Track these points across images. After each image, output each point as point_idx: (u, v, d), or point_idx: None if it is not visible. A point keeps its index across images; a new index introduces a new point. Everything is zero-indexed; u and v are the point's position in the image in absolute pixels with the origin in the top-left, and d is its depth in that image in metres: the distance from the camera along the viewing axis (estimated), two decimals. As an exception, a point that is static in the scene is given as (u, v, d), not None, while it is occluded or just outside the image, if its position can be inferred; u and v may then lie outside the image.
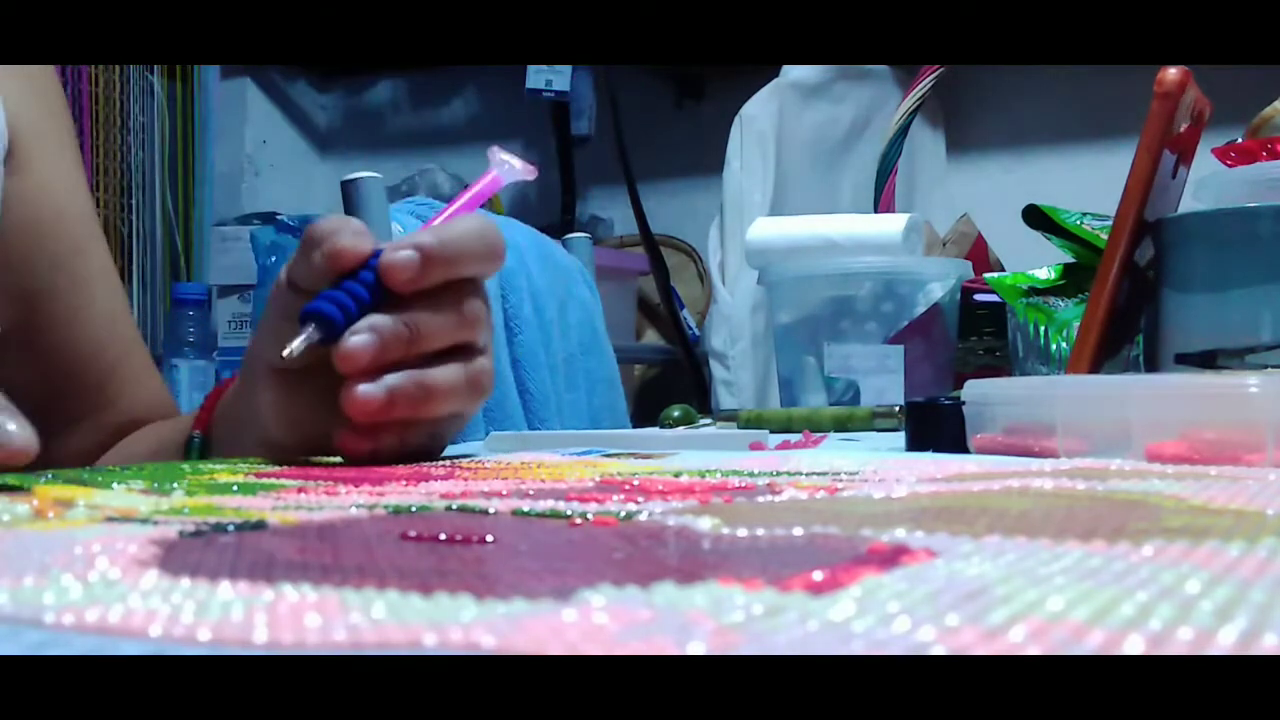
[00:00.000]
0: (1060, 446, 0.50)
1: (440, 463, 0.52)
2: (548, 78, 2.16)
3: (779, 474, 0.42)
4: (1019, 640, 0.16)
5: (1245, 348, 0.66)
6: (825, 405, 1.08)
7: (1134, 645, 0.16)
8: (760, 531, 0.27)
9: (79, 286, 0.73)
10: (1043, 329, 1.02)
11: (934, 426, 0.61)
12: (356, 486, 0.39)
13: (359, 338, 0.49)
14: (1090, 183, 1.54)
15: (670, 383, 2.12)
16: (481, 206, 0.61)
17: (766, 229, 1.25)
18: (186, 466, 0.50)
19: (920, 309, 1.11)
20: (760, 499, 0.34)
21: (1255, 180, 0.79)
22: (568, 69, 2.17)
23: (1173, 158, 0.76)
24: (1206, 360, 0.65)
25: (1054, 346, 1.00)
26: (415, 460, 0.52)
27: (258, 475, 0.44)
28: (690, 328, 2.06)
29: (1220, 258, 0.75)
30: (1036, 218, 1.02)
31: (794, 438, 0.73)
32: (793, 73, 1.85)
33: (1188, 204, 0.83)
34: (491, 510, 0.32)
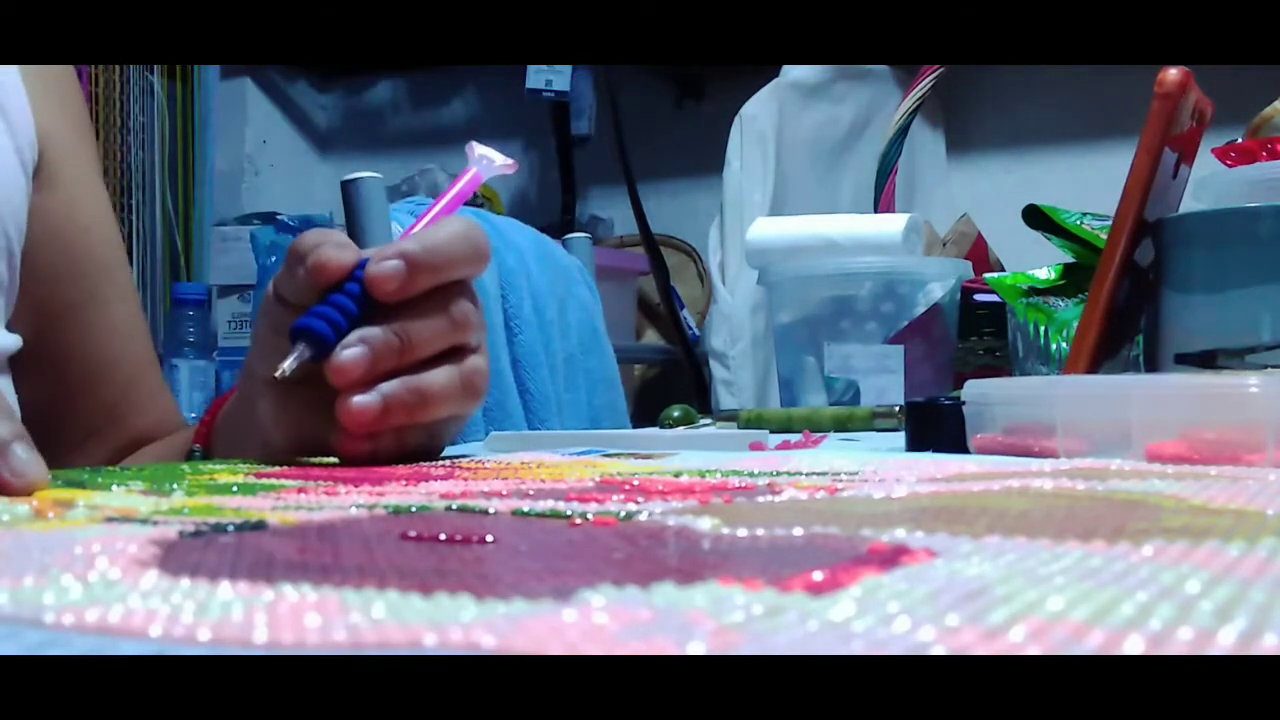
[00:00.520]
0: (1060, 446, 0.50)
1: (440, 463, 0.52)
2: (548, 78, 2.16)
3: (779, 474, 0.42)
4: (1019, 640, 0.16)
5: (1245, 348, 0.66)
6: (825, 405, 1.08)
7: (1134, 645, 0.16)
8: (760, 531, 0.27)
9: (100, 303, 0.73)
10: (1043, 329, 1.02)
11: (934, 426, 0.61)
12: (356, 486, 0.39)
13: (351, 351, 0.49)
14: (1090, 183, 1.54)
15: (670, 383, 2.12)
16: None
17: (766, 229, 1.25)
18: (186, 467, 0.50)
19: (920, 309, 1.11)
20: (760, 499, 0.34)
21: (1255, 180, 0.79)
22: (568, 69, 2.17)
23: (1174, 157, 0.76)
24: (1206, 360, 0.65)
25: (1054, 346, 1.00)
26: (415, 460, 0.52)
27: (258, 476, 0.44)
28: (690, 328, 2.06)
29: (1220, 258, 0.75)
30: (1036, 218, 1.02)
31: (794, 438, 0.73)
32: (793, 73, 1.85)
33: (1188, 204, 0.83)
34: (491, 510, 0.32)
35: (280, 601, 0.19)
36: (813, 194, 1.86)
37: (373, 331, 0.50)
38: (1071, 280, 1.02)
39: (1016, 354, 1.05)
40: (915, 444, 0.62)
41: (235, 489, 0.38)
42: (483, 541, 0.26)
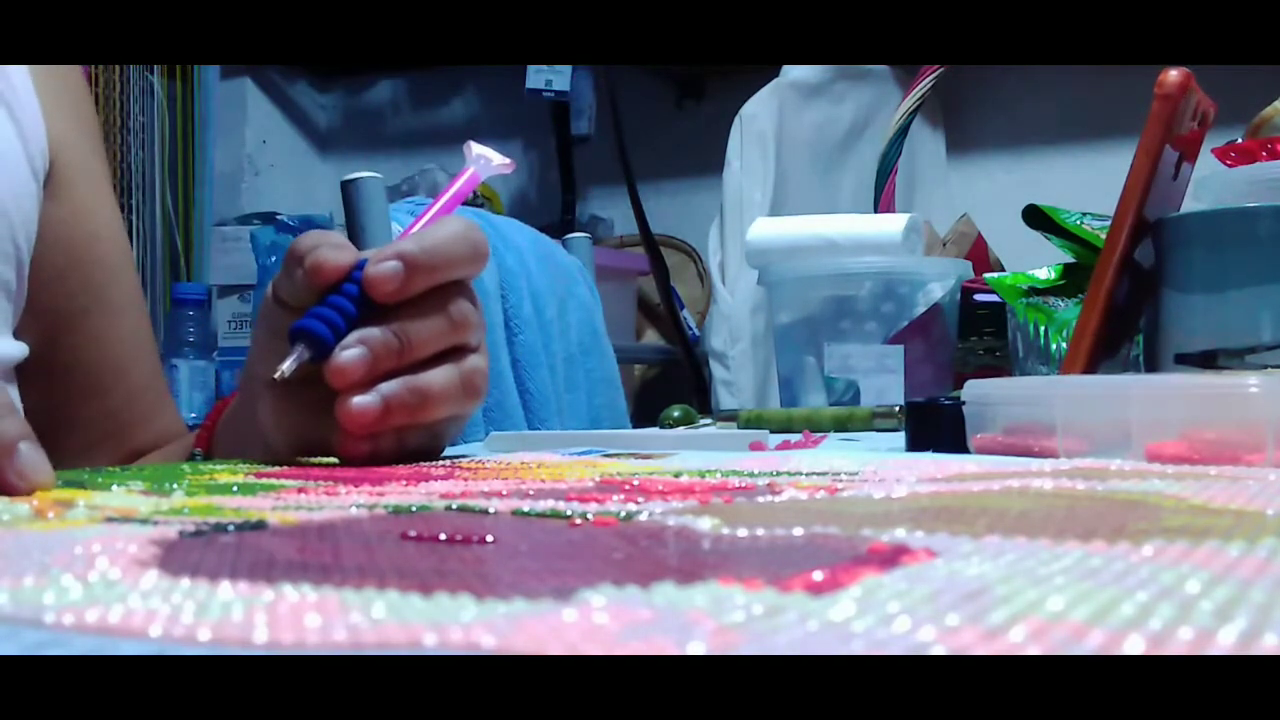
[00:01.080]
0: (1060, 446, 0.50)
1: (440, 463, 0.52)
2: (548, 78, 2.16)
3: (779, 474, 0.42)
4: (1019, 640, 0.16)
5: (1245, 348, 0.66)
6: (825, 405, 1.08)
7: (1134, 645, 0.16)
8: (760, 531, 0.27)
9: (108, 312, 0.73)
10: (1043, 329, 1.02)
11: (934, 426, 0.61)
12: (356, 486, 0.39)
13: (350, 352, 0.49)
14: (1090, 183, 1.54)
15: (670, 383, 2.12)
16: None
17: (766, 229, 1.25)
18: (186, 467, 0.50)
19: (920, 309, 1.11)
20: (760, 499, 0.34)
21: (1255, 180, 0.79)
22: (568, 69, 2.17)
23: (1175, 157, 0.76)
24: (1206, 360, 0.65)
25: (1054, 346, 1.00)
26: (415, 461, 0.52)
27: (258, 475, 0.44)
28: (690, 328, 2.06)
29: (1220, 258, 0.75)
30: (1036, 218, 1.02)
31: (794, 438, 0.73)
32: (793, 73, 1.85)
33: (1188, 204, 0.83)
34: (491, 510, 0.32)
35: (280, 601, 0.19)
36: (813, 194, 1.86)
37: (372, 332, 0.50)
38: (1071, 280, 1.02)
39: (1016, 354, 1.05)
40: (915, 444, 0.62)
41: (235, 489, 0.38)
42: (483, 541, 0.26)
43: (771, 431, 0.79)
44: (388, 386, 0.50)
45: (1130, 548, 0.24)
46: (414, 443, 0.52)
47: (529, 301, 1.17)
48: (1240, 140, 0.92)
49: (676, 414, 0.98)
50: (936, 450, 0.59)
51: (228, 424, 0.64)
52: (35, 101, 0.68)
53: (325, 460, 0.53)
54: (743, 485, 0.38)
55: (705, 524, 0.28)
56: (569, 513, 0.31)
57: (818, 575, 0.21)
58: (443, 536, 0.26)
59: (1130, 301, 0.77)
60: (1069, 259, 1.04)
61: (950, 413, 0.58)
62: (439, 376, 0.51)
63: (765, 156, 1.80)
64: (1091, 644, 0.16)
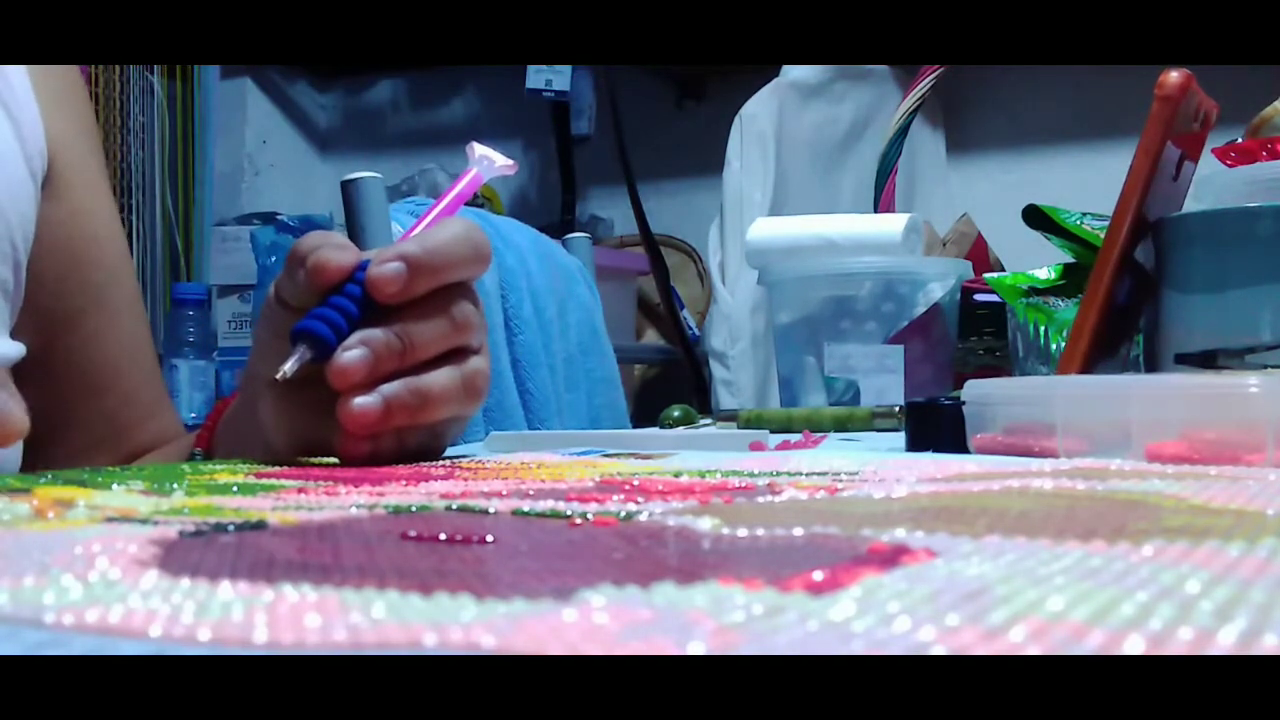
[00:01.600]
0: (1060, 446, 0.50)
1: (440, 463, 0.52)
2: (548, 78, 2.16)
3: (779, 474, 0.42)
4: (1019, 640, 0.16)
5: (1245, 348, 0.66)
6: (825, 405, 1.08)
7: (1134, 645, 0.16)
8: (760, 531, 0.27)
9: (107, 313, 0.73)
10: (1043, 329, 1.02)
11: (934, 426, 0.61)
12: (356, 486, 0.39)
13: (352, 353, 0.49)
14: (1090, 183, 1.54)
15: (670, 383, 2.12)
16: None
17: (766, 229, 1.25)
18: (187, 467, 0.50)
19: (920, 309, 1.11)
20: (760, 499, 0.34)
21: (1255, 180, 0.79)
22: (568, 69, 2.17)
23: (1176, 155, 0.76)
24: (1206, 360, 0.65)
25: (1054, 346, 1.00)
26: (416, 461, 0.52)
27: (258, 476, 0.44)
28: (690, 328, 2.06)
29: (1220, 258, 0.75)
30: (1036, 218, 1.02)
31: (794, 438, 0.73)
32: (793, 73, 1.85)
33: (1188, 204, 0.83)
34: (491, 510, 0.32)
35: (280, 601, 0.19)
36: (813, 194, 1.86)
37: (374, 333, 0.50)
38: (1071, 280, 1.02)
39: (1016, 354, 1.05)
40: (915, 444, 0.62)
41: (235, 489, 0.38)
42: (483, 541, 0.26)
43: (771, 431, 0.79)
44: (389, 387, 0.50)
45: (1130, 548, 0.24)
46: (415, 443, 0.52)
47: (529, 301, 1.17)
48: (1240, 140, 0.92)
49: (676, 414, 0.98)
50: (936, 450, 0.59)
51: (228, 424, 0.64)
52: (34, 102, 0.68)
53: (325, 460, 0.53)
54: (743, 485, 0.38)
55: (705, 524, 0.28)
56: (569, 513, 0.31)
57: (818, 575, 0.21)
58: (443, 536, 0.26)
59: (1131, 301, 0.77)
60: (1069, 259, 1.04)
61: (950, 413, 0.58)
62: (440, 378, 0.51)
63: (765, 156, 1.80)
64: (1091, 644, 0.16)
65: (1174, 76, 0.72)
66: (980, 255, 1.60)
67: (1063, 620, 0.17)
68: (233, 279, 2.18)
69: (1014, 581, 0.20)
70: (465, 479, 0.41)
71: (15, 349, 0.67)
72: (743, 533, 0.27)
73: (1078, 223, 1.00)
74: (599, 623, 0.17)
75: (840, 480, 0.40)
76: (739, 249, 1.67)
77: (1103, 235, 0.75)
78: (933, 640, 0.16)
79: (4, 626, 0.18)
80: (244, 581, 0.21)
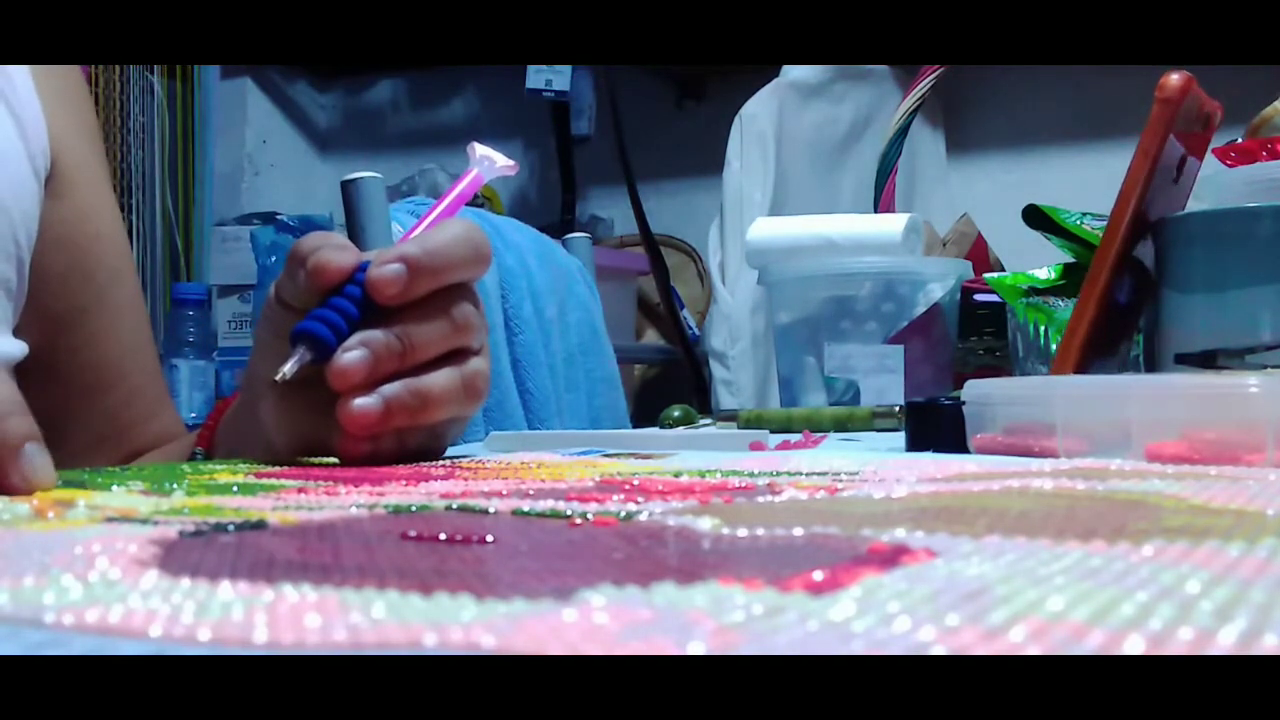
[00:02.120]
0: (1060, 446, 0.50)
1: (440, 463, 0.52)
2: (548, 78, 2.16)
3: (779, 474, 0.42)
4: (1019, 640, 0.16)
5: (1245, 348, 0.66)
6: (825, 405, 1.08)
7: (1134, 645, 0.16)
8: (760, 531, 0.27)
9: (108, 312, 0.73)
10: (1043, 329, 1.02)
11: (934, 426, 0.61)
12: (356, 486, 0.39)
13: (352, 354, 0.49)
14: (1090, 183, 1.54)
15: (670, 383, 2.12)
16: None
17: (766, 229, 1.25)
18: (187, 467, 0.50)
19: (920, 309, 1.11)
20: (760, 499, 0.34)
21: (1255, 180, 0.79)
22: (568, 69, 2.17)
23: (1178, 155, 0.76)
24: (1206, 360, 0.65)
25: (1054, 347, 1.00)
26: (416, 461, 0.52)
27: (258, 475, 0.44)
28: (690, 328, 2.06)
29: (1220, 258, 0.75)
30: (1036, 218, 1.02)
31: (794, 438, 0.73)
32: (793, 73, 1.85)
33: (1188, 204, 0.83)
34: (491, 510, 0.32)
35: (280, 601, 0.19)
36: (813, 194, 1.86)
37: (374, 334, 0.50)
38: (1071, 280, 1.02)
39: (1016, 354, 1.05)
40: (915, 444, 0.62)
41: (235, 489, 0.38)
42: (483, 541, 0.26)
43: (771, 431, 0.79)
44: (389, 388, 0.50)
45: (1130, 548, 0.24)
46: (415, 444, 0.52)
47: (529, 301, 1.17)
48: (1240, 140, 0.92)
49: (676, 414, 0.98)
50: (936, 450, 0.59)
51: (229, 424, 0.64)
52: (36, 101, 0.68)
53: (325, 460, 0.53)
54: (743, 485, 0.38)
55: (705, 524, 0.28)
56: (569, 513, 0.31)
57: (818, 575, 0.21)
58: (443, 536, 0.26)
59: (1131, 300, 0.77)
60: (1069, 259, 1.04)
61: (950, 413, 0.58)
62: (440, 379, 0.51)
63: (765, 156, 1.80)
64: (1091, 644, 0.16)
65: (1174, 79, 0.72)
66: (980, 255, 1.60)
67: (1063, 620, 0.17)
68: (233, 279, 2.18)
69: (1014, 581, 0.20)
70: (465, 479, 0.41)
71: (18, 347, 0.67)
72: (743, 533, 0.27)
73: (1078, 223, 1.00)
74: (599, 623, 0.17)
75: (840, 480, 0.40)
76: (739, 249, 1.67)
77: (1102, 235, 0.75)
78: (933, 640, 0.16)
79: (4, 626, 0.18)
80: (244, 581, 0.21)
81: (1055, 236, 1.02)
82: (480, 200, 2.22)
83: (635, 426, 1.30)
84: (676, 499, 0.34)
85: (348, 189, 1.02)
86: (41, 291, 0.69)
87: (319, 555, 0.24)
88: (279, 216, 2.08)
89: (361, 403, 0.49)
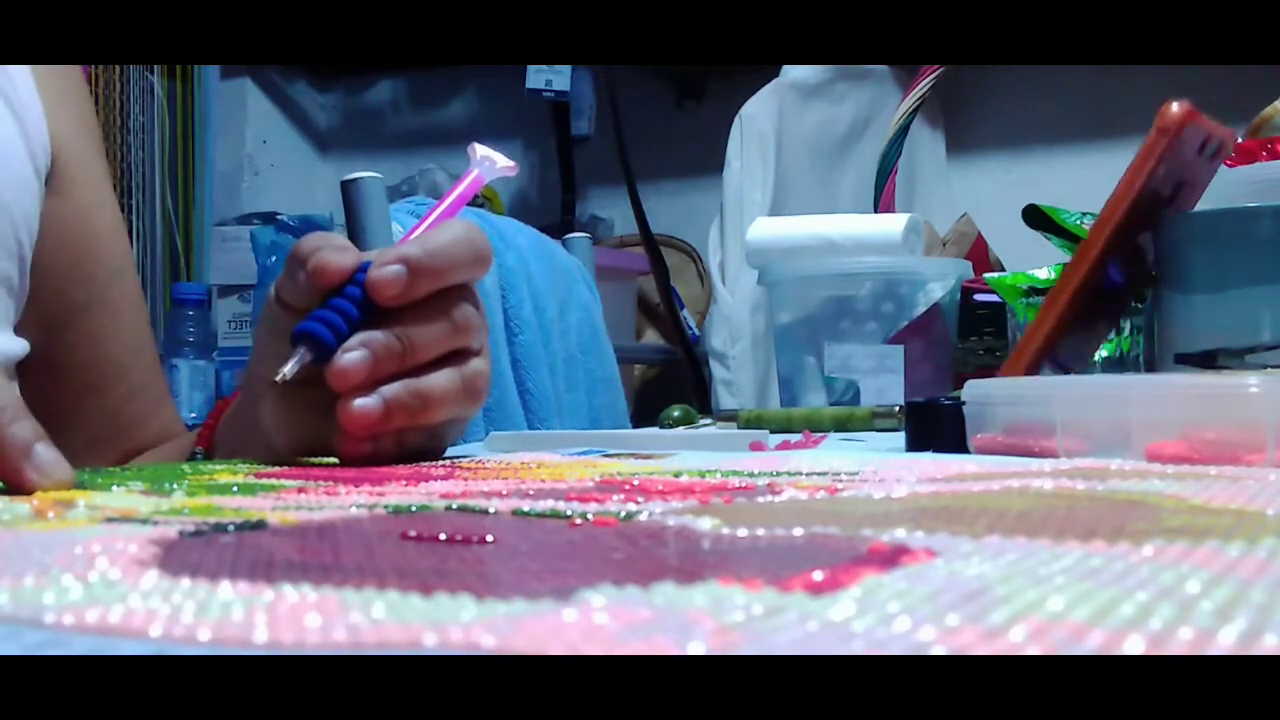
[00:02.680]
0: (1060, 446, 0.50)
1: (440, 463, 0.52)
2: (548, 78, 2.16)
3: (779, 474, 0.42)
4: (1019, 640, 0.16)
5: (1245, 348, 0.66)
6: (825, 405, 1.08)
7: (1134, 645, 0.16)
8: (760, 531, 0.27)
9: (109, 311, 0.73)
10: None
11: (934, 426, 0.61)
12: (356, 486, 0.39)
13: (351, 355, 0.49)
14: (1090, 183, 1.53)
15: (670, 383, 2.12)
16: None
17: (766, 229, 1.25)
18: (187, 467, 0.50)
19: (920, 309, 1.11)
20: (760, 499, 0.34)
21: (1255, 180, 0.79)
22: (568, 69, 2.17)
23: (1199, 138, 0.73)
24: (1206, 360, 0.65)
25: (1054, 346, 1.00)
26: (416, 461, 0.52)
27: (258, 476, 0.44)
28: (690, 328, 2.06)
29: (1220, 258, 0.75)
30: (1036, 218, 1.02)
31: (794, 438, 0.73)
32: (793, 73, 1.85)
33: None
34: (491, 510, 0.32)
35: (280, 601, 0.19)
36: (813, 194, 1.86)
37: (374, 335, 0.50)
38: (1071, 280, 1.02)
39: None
40: (915, 444, 0.62)
41: (235, 489, 0.38)
42: (483, 541, 0.26)
43: (771, 431, 0.79)
44: (389, 389, 0.50)
45: (1130, 548, 0.24)
46: (414, 444, 0.52)
47: (529, 301, 1.17)
48: (1240, 140, 0.92)
49: (676, 414, 0.98)
50: (936, 450, 0.59)
51: (229, 423, 0.64)
52: (37, 100, 0.69)
53: (325, 460, 0.53)
54: (743, 485, 0.38)
55: (705, 524, 0.28)
56: (569, 513, 0.31)
57: (818, 575, 0.21)
58: (443, 536, 0.26)
59: (1119, 288, 0.76)
60: (1069, 259, 1.03)
61: (950, 413, 0.58)
62: (440, 380, 0.51)
63: (765, 156, 1.80)
64: (1091, 644, 0.16)
65: (1175, 109, 0.70)
66: (980, 255, 1.60)
67: (1063, 620, 0.17)
68: (233, 279, 2.18)
69: (1014, 581, 0.20)
70: (465, 479, 0.41)
71: (19, 345, 0.67)
72: (743, 533, 0.27)
73: (1078, 223, 1.00)
74: (599, 623, 0.17)
75: (840, 480, 0.40)
76: (739, 249, 1.67)
77: (1074, 254, 0.74)
78: (933, 640, 0.16)
79: (4, 626, 0.18)
80: (244, 581, 0.21)
81: (1055, 236, 1.02)
82: (480, 200, 2.22)
83: (635, 426, 1.30)
84: (676, 499, 0.34)
85: (348, 189, 1.02)
86: (42, 289, 0.69)
87: (319, 555, 0.24)
88: (279, 216, 2.08)
89: (362, 403, 0.49)
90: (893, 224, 1.18)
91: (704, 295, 2.16)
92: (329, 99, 2.75)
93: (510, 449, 0.64)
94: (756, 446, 0.64)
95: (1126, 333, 0.95)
